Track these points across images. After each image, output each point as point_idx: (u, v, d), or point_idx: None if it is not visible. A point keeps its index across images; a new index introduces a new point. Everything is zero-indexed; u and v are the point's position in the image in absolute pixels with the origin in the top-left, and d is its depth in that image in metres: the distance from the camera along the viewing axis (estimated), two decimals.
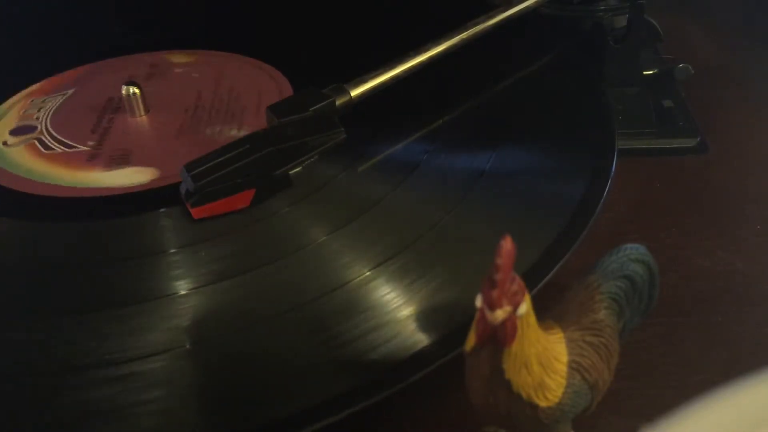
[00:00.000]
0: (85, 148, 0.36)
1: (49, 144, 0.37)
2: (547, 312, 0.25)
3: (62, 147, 0.36)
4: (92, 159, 0.35)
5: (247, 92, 0.40)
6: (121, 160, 0.35)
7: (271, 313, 0.28)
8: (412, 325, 0.28)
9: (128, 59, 0.44)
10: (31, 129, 0.38)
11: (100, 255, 0.30)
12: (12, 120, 0.39)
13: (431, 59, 0.38)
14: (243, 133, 0.36)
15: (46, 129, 0.38)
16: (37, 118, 0.39)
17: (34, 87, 0.42)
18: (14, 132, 0.38)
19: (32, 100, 0.40)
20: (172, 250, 0.30)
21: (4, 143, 0.37)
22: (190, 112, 0.39)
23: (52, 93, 0.41)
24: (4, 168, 0.35)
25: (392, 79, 0.36)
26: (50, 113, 0.39)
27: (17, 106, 0.40)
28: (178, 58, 0.44)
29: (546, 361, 0.23)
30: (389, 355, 0.27)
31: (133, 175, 0.34)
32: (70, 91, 0.41)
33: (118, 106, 0.39)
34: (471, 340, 0.22)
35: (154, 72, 0.43)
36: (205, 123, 0.38)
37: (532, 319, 0.22)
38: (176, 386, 0.26)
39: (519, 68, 0.41)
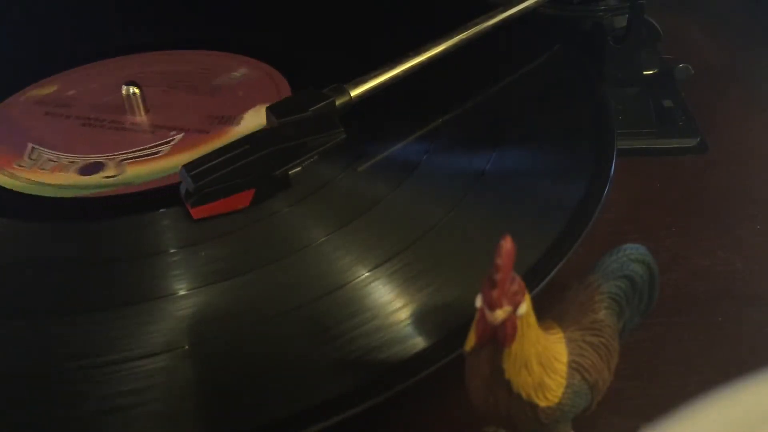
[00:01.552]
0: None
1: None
2: (547, 312, 0.25)
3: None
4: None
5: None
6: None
7: (271, 313, 0.28)
8: (412, 326, 0.28)
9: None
10: None
11: (99, 255, 0.30)
12: None
13: (431, 59, 0.38)
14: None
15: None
16: None
17: None
18: None
19: None
20: (172, 250, 0.30)
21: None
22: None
23: None
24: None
25: (392, 79, 0.36)
26: None
27: None
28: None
29: (546, 361, 0.23)
30: (389, 356, 0.26)
31: None
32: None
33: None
34: (471, 340, 0.22)
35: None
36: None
37: (532, 319, 0.22)
38: (176, 387, 0.26)
39: (519, 68, 0.41)
